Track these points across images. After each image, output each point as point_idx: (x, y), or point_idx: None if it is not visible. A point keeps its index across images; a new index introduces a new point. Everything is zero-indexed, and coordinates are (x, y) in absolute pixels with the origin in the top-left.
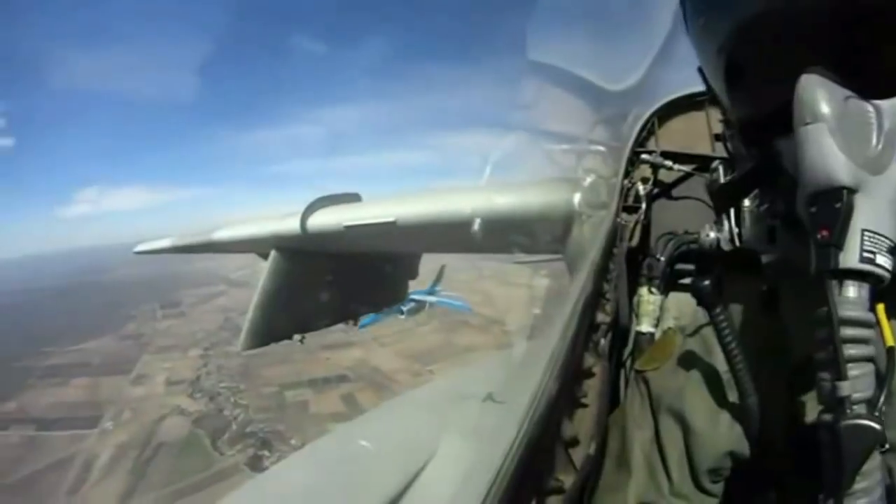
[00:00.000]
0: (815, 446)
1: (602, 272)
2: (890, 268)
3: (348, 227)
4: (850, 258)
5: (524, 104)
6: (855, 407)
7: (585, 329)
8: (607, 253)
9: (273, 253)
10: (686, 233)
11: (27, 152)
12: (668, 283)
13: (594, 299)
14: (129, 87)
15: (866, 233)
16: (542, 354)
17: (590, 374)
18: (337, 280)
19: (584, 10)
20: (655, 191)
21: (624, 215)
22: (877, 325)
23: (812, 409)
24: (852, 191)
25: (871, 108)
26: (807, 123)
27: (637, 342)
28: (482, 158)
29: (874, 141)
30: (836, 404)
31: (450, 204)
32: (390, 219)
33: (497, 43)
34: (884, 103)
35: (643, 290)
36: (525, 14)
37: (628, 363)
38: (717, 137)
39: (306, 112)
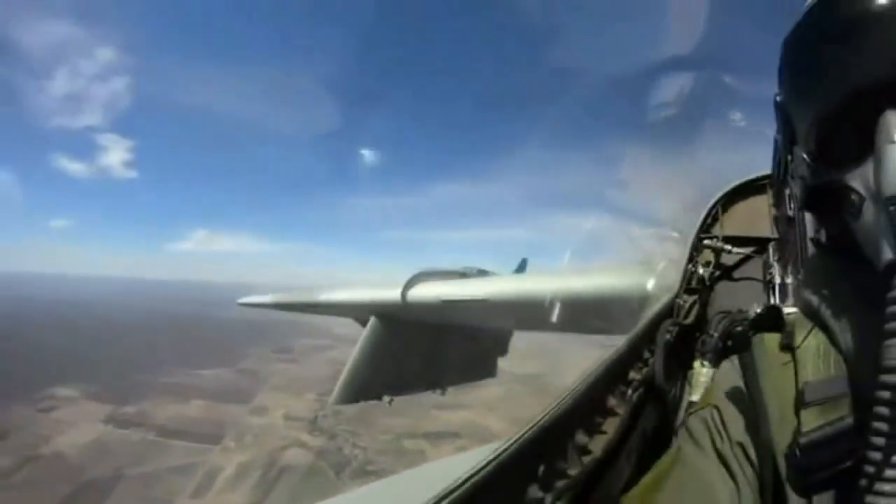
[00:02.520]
0: None
1: (643, 340)
2: None
3: (445, 302)
4: None
5: (613, 193)
6: None
7: (612, 378)
8: (654, 326)
9: (372, 319)
10: (740, 311)
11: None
12: (721, 358)
13: (628, 359)
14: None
15: None
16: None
17: (613, 413)
18: (429, 350)
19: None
20: (717, 273)
21: (685, 296)
22: None
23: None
24: None
25: None
26: (892, 142)
27: (688, 412)
28: (572, 240)
29: None
30: None
31: (537, 285)
32: (482, 296)
33: (591, 136)
34: None
35: (696, 364)
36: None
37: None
38: (777, 221)
39: (414, 187)
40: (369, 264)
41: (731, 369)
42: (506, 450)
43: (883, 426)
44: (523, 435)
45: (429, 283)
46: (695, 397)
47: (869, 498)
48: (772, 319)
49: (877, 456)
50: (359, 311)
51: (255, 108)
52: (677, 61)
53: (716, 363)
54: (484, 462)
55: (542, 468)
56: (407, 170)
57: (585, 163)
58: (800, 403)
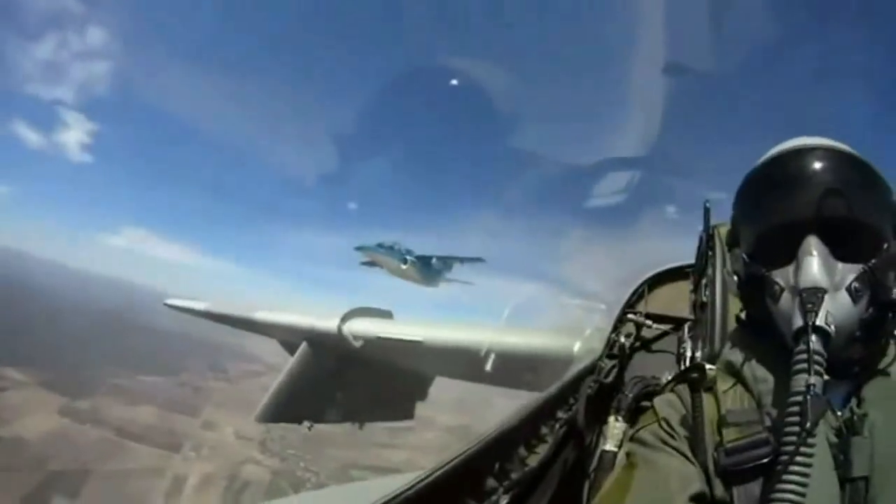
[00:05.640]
0: None
1: (569, 389)
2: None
3: (380, 338)
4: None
5: (553, 265)
6: None
7: (544, 412)
8: (578, 379)
9: (304, 345)
10: (653, 377)
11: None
12: (633, 416)
13: (556, 401)
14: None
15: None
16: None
17: (544, 440)
18: (353, 384)
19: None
20: (637, 344)
21: (606, 360)
22: None
23: None
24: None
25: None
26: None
27: (601, 458)
28: (511, 302)
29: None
30: None
31: (473, 335)
32: (418, 338)
33: (541, 214)
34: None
35: (611, 419)
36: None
37: (592, 475)
38: (695, 304)
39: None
40: (300, 297)
41: (670, 399)
42: (466, 452)
43: (792, 437)
44: (482, 441)
45: (366, 319)
46: (607, 446)
47: (780, 485)
48: (697, 372)
49: (785, 457)
50: (291, 335)
51: (235, 128)
52: (628, 158)
53: (628, 420)
54: (450, 458)
55: (496, 466)
56: (364, 214)
57: (533, 236)
58: (722, 424)
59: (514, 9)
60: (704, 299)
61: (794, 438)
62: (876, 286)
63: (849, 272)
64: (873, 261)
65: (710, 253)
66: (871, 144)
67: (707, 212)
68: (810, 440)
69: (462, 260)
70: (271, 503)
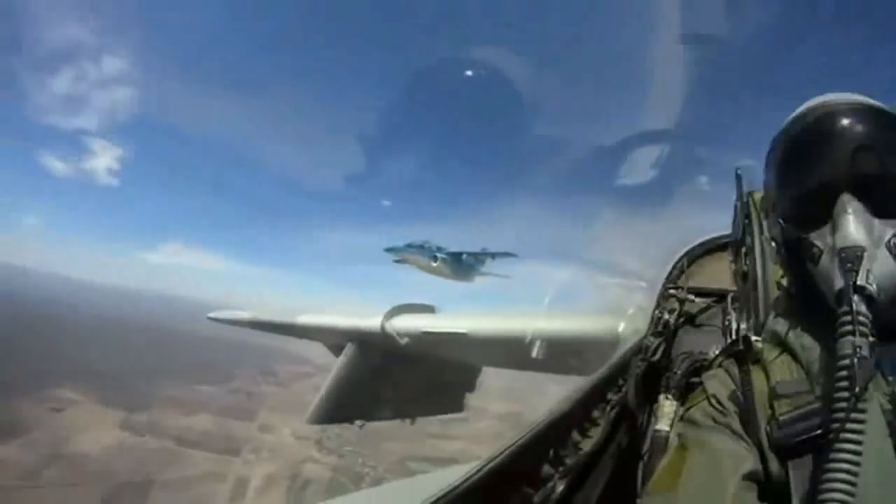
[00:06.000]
0: None
1: (618, 370)
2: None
3: (425, 333)
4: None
5: (590, 245)
6: None
7: (594, 395)
8: (626, 360)
9: (349, 345)
10: (701, 353)
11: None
12: (683, 393)
13: (606, 383)
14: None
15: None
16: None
17: (596, 423)
18: (401, 380)
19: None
20: (681, 320)
21: (651, 339)
22: None
23: None
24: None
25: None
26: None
27: (654, 439)
28: (552, 287)
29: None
30: None
31: (517, 323)
32: (463, 330)
33: (575, 196)
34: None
35: (661, 398)
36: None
37: (646, 456)
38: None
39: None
40: (342, 296)
41: (718, 375)
42: (519, 440)
43: (842, 403)
44: (535, 429)
45: (409, 315)
46: (659, 426)
47: (833, 455)
48: (743, 345)
49: (836, 426)
50: (336, 337)
51: (253, 136)
52: (653, 132)
53: (679, 398)
54: (505, 447)
55: (551, 452)
56: (395, 210)
57: (566, 220)
58: (773, 396)
59: None
60: (745, 269)
61: (844, 405)
62: None
63: (888, 228)
64: None
65: (746, 221)
66: None
67: (739, 179)
68: (861, 405)
69: (493, 255)
70: (335, 500)
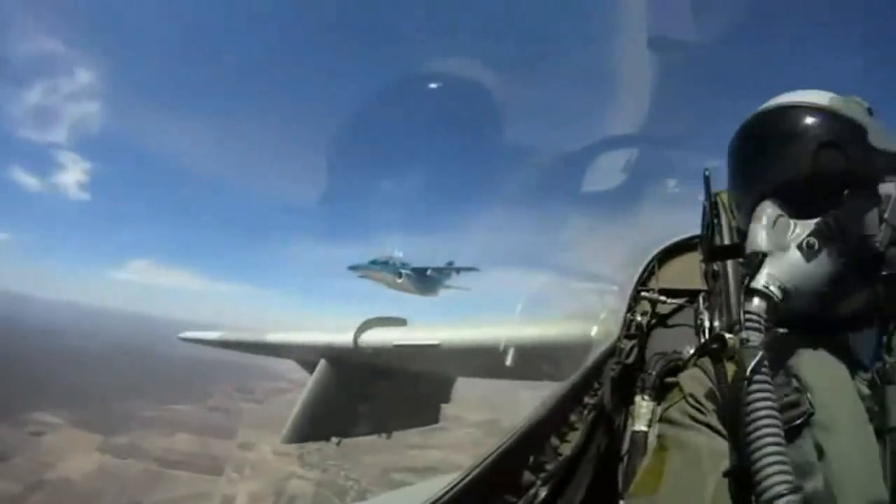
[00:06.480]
0: None
1: (592, 374)
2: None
3: (397, 346)
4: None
5: (559, 252)
6: None
7: (571, 399)
8: (601, 363)
9: (322, 362)
10: (675, 352)
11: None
12: (659, 393)
13: (582, 387)
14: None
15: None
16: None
17: (574, 427)
18: (376, 395)
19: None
20: (653, 321)
21: (625, 341)
22: None
23: None
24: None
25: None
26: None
27: (632, 439)
28: (523, 294)
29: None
30: None
31: (489, 332)
32: (435, 342)
33: (542, 203)
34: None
35: (638, 398)
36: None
37: (626, 457)
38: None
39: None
40: (312, 313)
41: (695, 373)
42: (499, 448)
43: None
44: (513, 436)
45: (381, 329)
46: (637, 426)
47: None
48: (717, 343)
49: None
50: (308, 354)
51: (225, 153)
52: (620, 137)
53: (655, 398)
54: (485, 456)
55: (531, 459)
56: (362, 221)
57: (537, 226)
58: None
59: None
60: (716, 268)
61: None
62: (843, 236)
63: (806, 228)
64: (832, 211)
65: (715, 221)
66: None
67: (707, 180)
68: (755, 389)
69: (458, 270)
70: None
